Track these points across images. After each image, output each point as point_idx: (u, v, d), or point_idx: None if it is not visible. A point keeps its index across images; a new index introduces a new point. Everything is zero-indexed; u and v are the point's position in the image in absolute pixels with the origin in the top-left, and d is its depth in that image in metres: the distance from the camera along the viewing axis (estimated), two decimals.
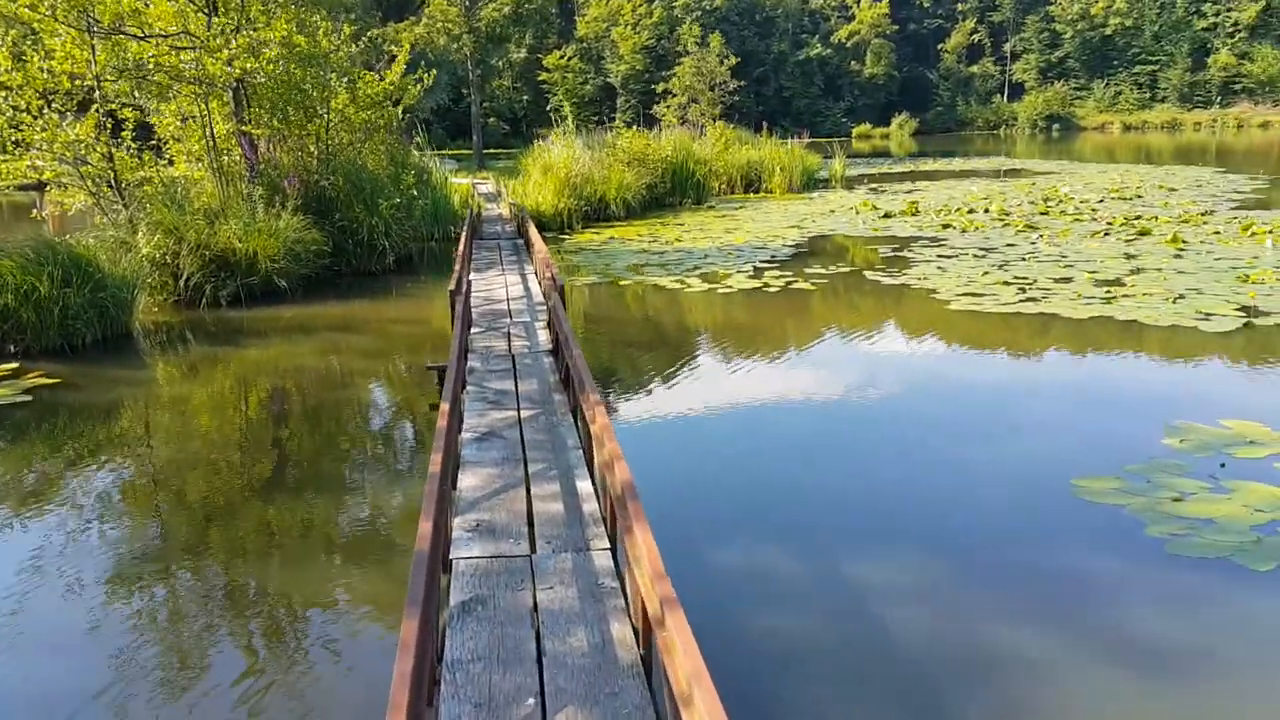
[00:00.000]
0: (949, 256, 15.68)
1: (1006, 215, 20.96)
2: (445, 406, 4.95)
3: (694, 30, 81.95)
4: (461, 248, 11.65)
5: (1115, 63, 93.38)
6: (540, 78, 74.81)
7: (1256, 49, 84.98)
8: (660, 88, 74.24)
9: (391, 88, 18.07)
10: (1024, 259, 15.05)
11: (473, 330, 9.28)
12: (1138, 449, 6.60)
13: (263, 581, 5.17)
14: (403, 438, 7.94)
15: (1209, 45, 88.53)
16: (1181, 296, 11.76)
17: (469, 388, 7.10)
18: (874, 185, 31.95)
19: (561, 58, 72.49)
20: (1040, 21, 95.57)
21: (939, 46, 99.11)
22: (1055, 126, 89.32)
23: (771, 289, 13.48)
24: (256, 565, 5.37)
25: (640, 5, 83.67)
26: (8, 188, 15.62)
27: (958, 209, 22.58)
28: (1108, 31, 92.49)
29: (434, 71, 19.71)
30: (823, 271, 14.75)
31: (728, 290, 13.45)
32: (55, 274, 10.33)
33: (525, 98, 76.47)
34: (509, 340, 8.81)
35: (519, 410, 6.50)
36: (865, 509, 5.97)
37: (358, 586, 5.05)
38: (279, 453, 7.56)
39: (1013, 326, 10.77)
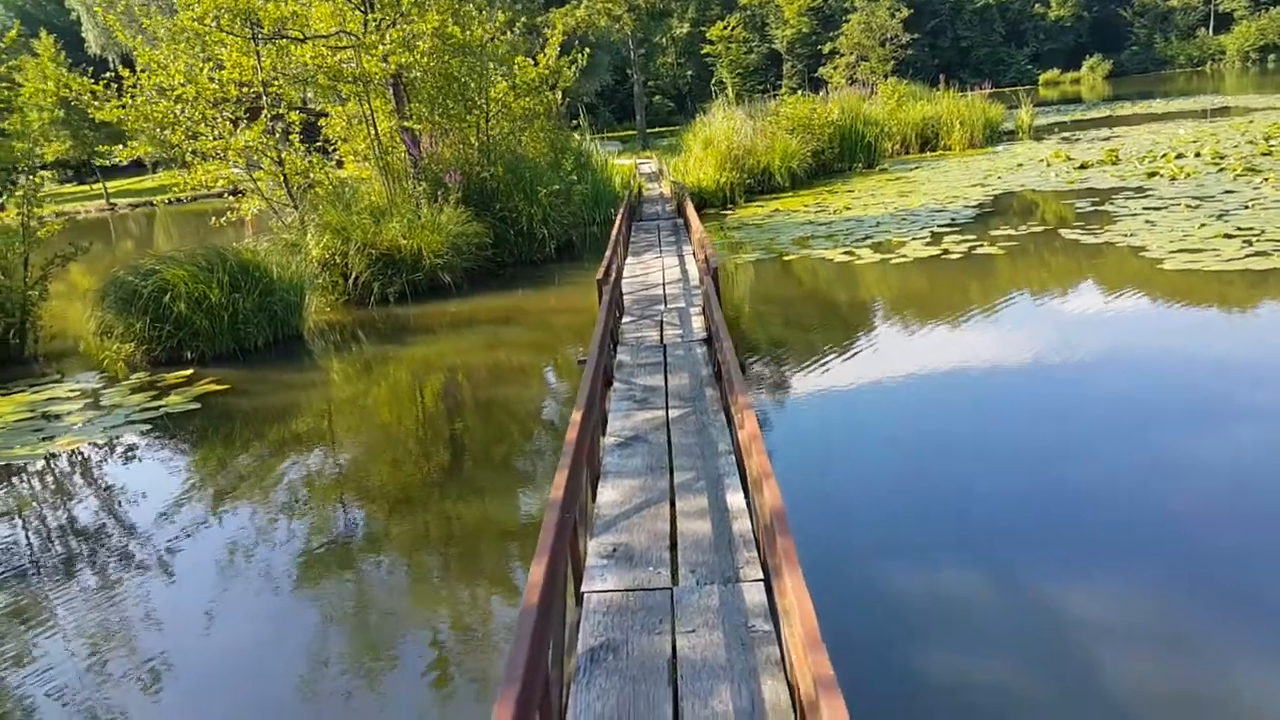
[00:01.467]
0: (1158, 208, 13.95)
1: (1222, 159, 18.60)
2: (577, 415, 4.45)
3: None
4: (615, 231, 11.22)
5: None
6: (704, 50, 73.70)
7: None
8: (827, 48, 71.83)
9: (547, 72, 17.87)
10: (1246, 207, 13.16)
11: (624, 319, 8.81)
12: None
13: (444, 571, 5.30)
14: (561, 436, 7.58)
15: None
16: None
17: (616, 384, 6.62)
18: (1066, 135, 29.41)
19: (725, 28, 71.05)
20: None
21: None
22: (1271, 58, 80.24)
23: (952, 255, 12.35)
24: (438, 557, 5.51)
25: None
26: (195, 196, 16.44)
27: (1164, 155, 20.29)
28: None
29: (588, 51, 19.39)
30: (1011, 233, 13.42)
31: (902, 260, 12.42)
32: (224, 280, 10.62)
33: (689, 73, 75.73)
34: (661, 329, 8.28)
35: (668, 409, 5.95)
36: (1072, 522, 5.05)
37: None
38: (450, 451, 7.36)
39: (1239, 287, 9.30)
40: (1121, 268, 10.72)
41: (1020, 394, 7.22)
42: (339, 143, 17.18)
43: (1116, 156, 20.90)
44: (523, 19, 18.50)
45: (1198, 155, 19.58)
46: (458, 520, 5.95)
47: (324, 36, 14.82)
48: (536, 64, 17.92)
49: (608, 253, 9.45)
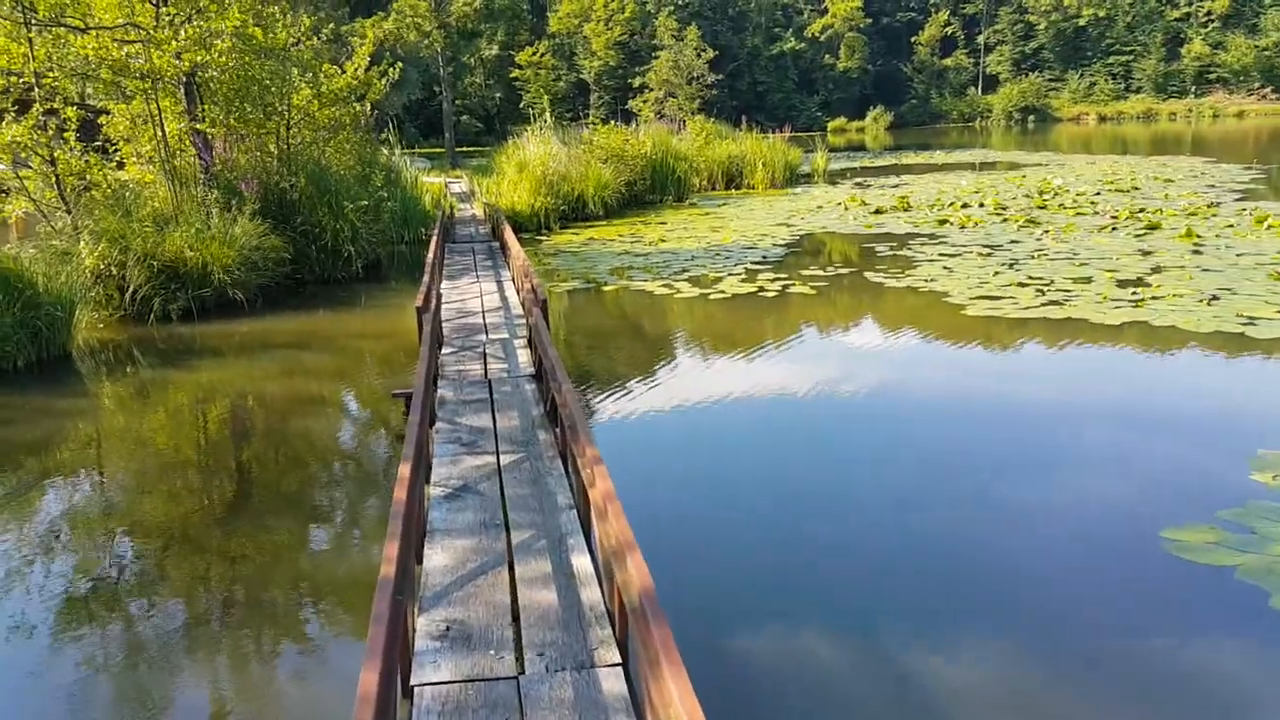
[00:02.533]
0: (953, 255, 14.76)
1: (1004, 210, 20.09)
2: (405, 469, 3.90)
3: (670, 23, 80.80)
4: (431, 254, 10.57)
5: (1089, 53, 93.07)
6: (513, 74, 73.45)
7: (1229, 38, 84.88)
8: (636, 82, 73.25)
9: (355, 82, 16.92)
10: (1033, 257, 14.15)
11: (444, 350, 8.22)
12: (1226, 488, 5.65)
13: (224, 616, 4.72)
14: (368, 476, 6.86)
15: (1182, 35, 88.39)
16: (1215, 298, 10.88)
17: (439, 424, 6.05)
18: (858, 180, 31.05)
19: (534, 54, 71.15)
20: (1013, 13, 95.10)
21: (912, 39, 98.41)
22: (1031, 118, 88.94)
23: (768, 293, 12.50)
24: (217, 601, 4.88)
25: (612, 1, 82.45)
26: None
27: (951, 203, 21.70)
28: (1081, 22, 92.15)
29: (399, 65, 18.58)
30: (820, 273, 13.78)
31: (720, 295, 12.45)
32: None
33: (498, 95, 75.10)
34: (485, 362, 7.76)
35: (498, 454, 5.46)
36: (917, 575, 4.97)
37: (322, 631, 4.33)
38: (236, 487, 6.47)
39: (1041, 334, 9.83)
40: (928, 312, 11.15)
41: (850, 436, 7.22)
42: (120, 143, 15.52)
43: (908, 203, 22.14)
44: (329, 25, 17.40)
45: (981, 205, 21.05)
46: (242, 562, 5.25)
47: (109, 28, 13.33)
48: (344, 73, 16.93)
49: (425, 277, 8.80)
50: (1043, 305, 10.91)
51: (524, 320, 9.45)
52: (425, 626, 3.56)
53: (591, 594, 3.80)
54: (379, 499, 6.12)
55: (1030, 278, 12.55)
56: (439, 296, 8.39)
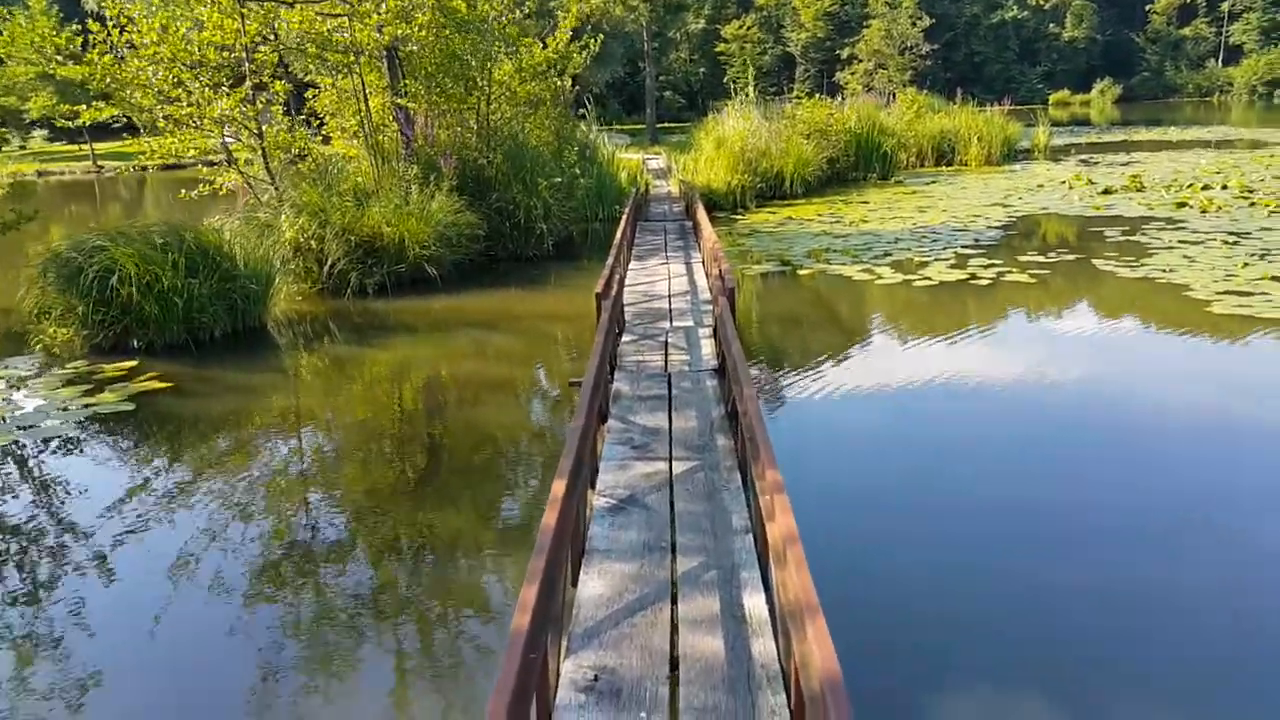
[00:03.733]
0: (1193, 242, 13.01)
1: (1250, 193, 17.70)
2: (560, 487, 3.46)
3: None
4: (619, 235, 10.20)
5: None
6: (718, 49, 72.71)
7: None
8: (845, 53, 70.87)
9: (555, 56, 16.85)
10: None
11: (625, 337, 7.81)
12: None
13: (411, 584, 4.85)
14: (543, 472, 6.56)
15: None
16: None
17: (610, 422, 5.62)
18: (1083, 157, 28.50)
19: (740, 27, 70.05)
20: None
21: (1146, 7, 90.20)
22: (1278, 92, 79.66)
23: (980, 281, 11.39)
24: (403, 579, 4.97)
25: None
26: (173, 164, 15.32)
27: (1189, 184, 19.38)
28: None
29: (600, 37, 18.38)
30: (1040, 259, 12.46)
31: (926, 282, 11.45)
32: (179, 263, 9.58)
33: (702, 70, 74.67)
34: (666, 352, 7.29)
35: (671, 460, 4.97)
36: (1164, 631, 4.10)
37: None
38: (415, 472, 6.35)
39: None
40: (1167, 308, 9.76)
41: (1086, 460, 6.24)
42: (327, 117, 16.14)
43: (1141, 184, 19.96)
44: (534, 2, 17.37)
45: (1224, 188, 18.67)
46: (428, 533, 5.25)
47: (316, 1, 13.78)
48: (546, 47, 16.89)
49: (609, 259, 8.42)
50: None
51: (710, 306, 8.93)
52: (571, 674, 3.11)
53: (764, 647, 3.24)
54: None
55: None
56: (621, 281, 7.99)
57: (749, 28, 72.04)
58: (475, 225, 13.79)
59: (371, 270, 12.45)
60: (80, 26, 12.88)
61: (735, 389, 4.95)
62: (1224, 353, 8.35)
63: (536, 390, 8.53)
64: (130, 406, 7.84)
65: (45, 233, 19.87)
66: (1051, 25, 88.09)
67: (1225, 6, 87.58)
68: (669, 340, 7.61)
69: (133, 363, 9.13)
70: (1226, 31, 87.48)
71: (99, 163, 43.11)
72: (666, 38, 61.28)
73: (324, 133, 16.28)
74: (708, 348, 7.33)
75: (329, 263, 12.27)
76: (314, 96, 16.11)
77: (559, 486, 3.44)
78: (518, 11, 16.77)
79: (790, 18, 79.94)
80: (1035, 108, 62.72)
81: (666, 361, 6.98)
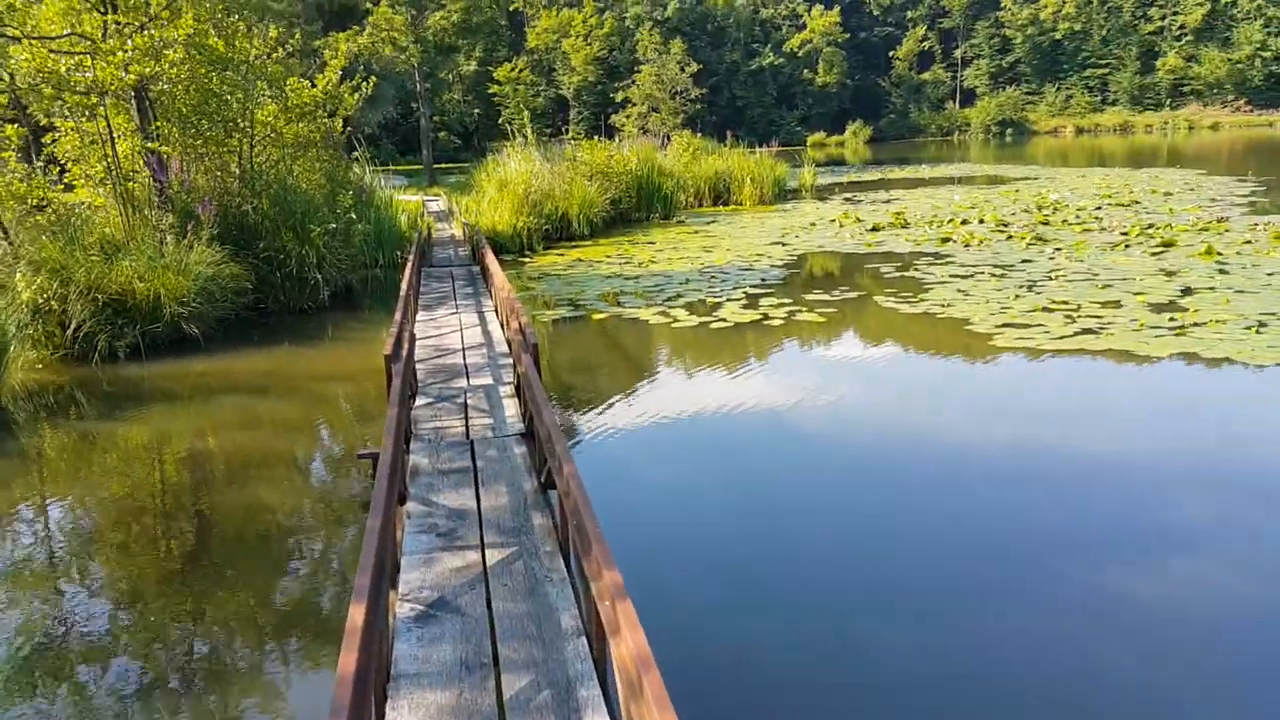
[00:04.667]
0: (964, 276, 13.84)
1: (1005, 226, 19.25)
2: (359, 608, 2.84)
3: (654, 37, 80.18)
4: (405, 285, 9.47)
5: (1066, 67, 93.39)
6: (491, 90, 72.41)
7: (1203, 51, 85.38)
8: (619, 96, 72.43)
9: (325, 96, 15.85)
10: (1051, 278, 13.24)
11: (419, 400, 7.15)
12: None
13: None
14: (326, 560, 5.77)
15: (1157, 48, 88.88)
16: (1263, 324, 9.98)
17: (410, 505, 4.99)
18: (847, 195, 30.22)
19: (512, 70, 70.13)
20: (990, 27, 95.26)
21: (890, 54, 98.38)
22: (1009, 131, 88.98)
23: (773, 321, 11.51)
24: None
25: (591, 16, 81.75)
26: None
27: (949, 220, 20.84)
28: (1057, 36, 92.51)
29: (373, 79, 17.54)
30: (826, 298, 12.81)
31: (722, 324, 11.44)
32: None
33: (476, 111, 74.16)
34: (466, 415, 6.70)
35: (483, 548, 4.41)
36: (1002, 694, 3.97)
37: None
38: (170, 572, 5.37)
39: (1084, 369, 8.88)
40: (952, 342, 10.17)
41: (902, 508, 6.20)
42: (69, 164, 14.37)
43: (905, 220, 21.27)
44: (297, 35, 16.32)
45: (982, 221, 20.20)
46: (193, 642, 4.14)
47: (51, 38, 12.23)
48: (314, 86, 15.87)
49: (397, 314, 7.71)
50: (1076, 334, 9.96)
51: (509, 359, 8.42)
52: None
53: None
54: (339, 595, 5.05)
55: (1054, 302, 11.63)
56: (413, 338, 7.32)
57: (521, 70, 72.27)
58: (241, 277, 12.62)
59: (123, 331, 11.04)
60: None
61: (552, 462, 4.47)
62: (1010, 385, 8.72)
63: (316, 464, 7.65)
64: None
65: None
66: (806, 71, 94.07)
67: (958, 53, 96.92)
68: (468, 401, 7.02)
69: None
70: (961, 76, 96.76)
71: None
72: (439, 79, 60.42)
73: (66, 180, 14.48)
74: (511, 408, 6.80)
75: (73, 325, 10.78)
76: (54, 141, 14.30)
77: (356, 614, 2.81)
78: (280, 50, 15.69)
79: (561, 62, 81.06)
80: (795, 149, 66.62)
81: (468, 427, 6.39)
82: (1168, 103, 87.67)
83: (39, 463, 7.91)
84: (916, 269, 14.78)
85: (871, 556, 5.35)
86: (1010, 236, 17.69)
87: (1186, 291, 11.93)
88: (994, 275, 13.73)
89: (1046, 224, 19.29)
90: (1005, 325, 10.54)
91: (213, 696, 4.16)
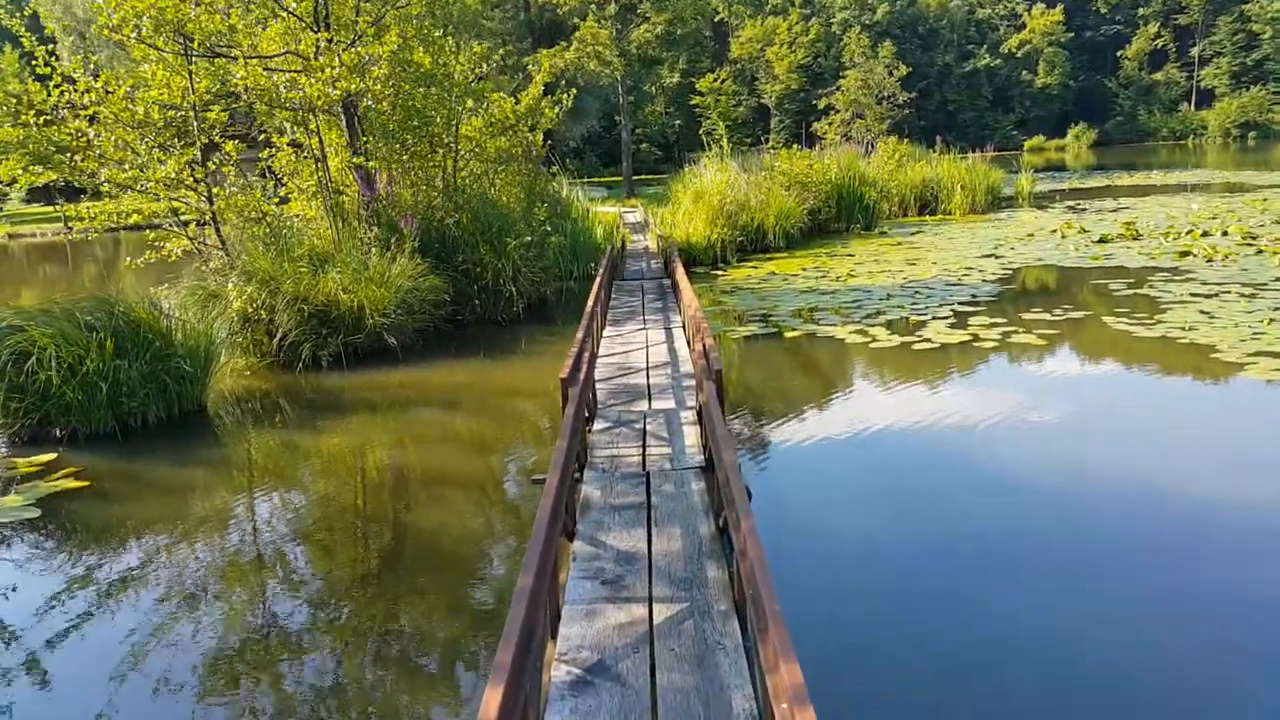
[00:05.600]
0: (1207, 295, 12.26)
1: (1253, 239, 17.08)
2: (503, 662, 2.49)
3: (863, 41, 78.20)
4: (591, 301, 9.28)
5: None
6: (693, 101, 72.74)
7: None
8: (822, 103, 71.17)
9: (526, 110, 16.10)
10: None
11: (597, 424, 6.86)
12: None
13: None
14: (497, 586, 5.55)
15: None
16: None
17: (577, 544, 4.65)
18: (1069, 203, 28.03)
19: (715, 80, 70.15)
20: (1234, 22, 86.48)
21: (1118, 53, 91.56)
22: (1252, 134, 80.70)
23: (984, 343, 10.54)
24: None
25: (796, 24, 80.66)
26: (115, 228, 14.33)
27: (1187, 231, 18.77)
28: None
29: (574, 91, 17.68)
30: (1046, 317, 11.65)
31: (926, 345, 10.59)
32: (105, 343, 8.59)
33: (678, 122, 74.72)
34: (644, 443, 6.33)
35: (651, 603, 3.99)
36: None
37: None
38: (350, 590, 5.32)
39: None
40: (1196, 373, 8.91)
41: (1141, 575, 5.32)
42: (285, 178, 15.27)
43: (1136, 231, 19.34)
44: (502, 51, 16.67)
45: (1225, 234, 18.06)
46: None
47: (268, 57, 12.99)
48: (518, 102, 16.17)
49: (579, 332, 7.47)
50: None
51: (693, 379, 8.01)
52: None
53: None
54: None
55: None
56: (593, 358, 7.05)
57: (723, 80, 72.16)
58: (440, 289, 12.91)
59: (326, 341, 11.49)
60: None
61: (729, 514, 4.00)
62: (1268, 427, 7.49)
63: (501, 486, 7.49)
64: (35, 513, 6.79)
65: (17, 297, 18.94)
66: (1024, 73, 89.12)
67: (1195, 51, 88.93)
68: (647, 427, 6.66)
69: (51, 455, 8.10)
70: (1198, 76, 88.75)
71: (69, 224, 42.14)
72: (642, 91, 61.27)
73: (282, 193, 15.42)
74: (691, 436, 6.38)
75: (280, 334, 11.33)
76: (270, 156, 15.28)
77: (492, 699, 2.45)
78: (484, 66, 16.07)
79: (764, 70, 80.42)
80: (1011, 154, 63.02)
81: (644, 456, 6.02)
82: None
83: (232, 476, 8.19)
84: (1151, 286, 13.26)
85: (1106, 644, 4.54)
86: (1260, 251, 15.65)
87: None
88: (1243, 295, 12.07)
89: None
90: (1259, 354, 9.14)
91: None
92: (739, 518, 3.62)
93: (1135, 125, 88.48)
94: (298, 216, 14.10)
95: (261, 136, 14.48)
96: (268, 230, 12.74)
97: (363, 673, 4.51)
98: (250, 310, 11.32)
